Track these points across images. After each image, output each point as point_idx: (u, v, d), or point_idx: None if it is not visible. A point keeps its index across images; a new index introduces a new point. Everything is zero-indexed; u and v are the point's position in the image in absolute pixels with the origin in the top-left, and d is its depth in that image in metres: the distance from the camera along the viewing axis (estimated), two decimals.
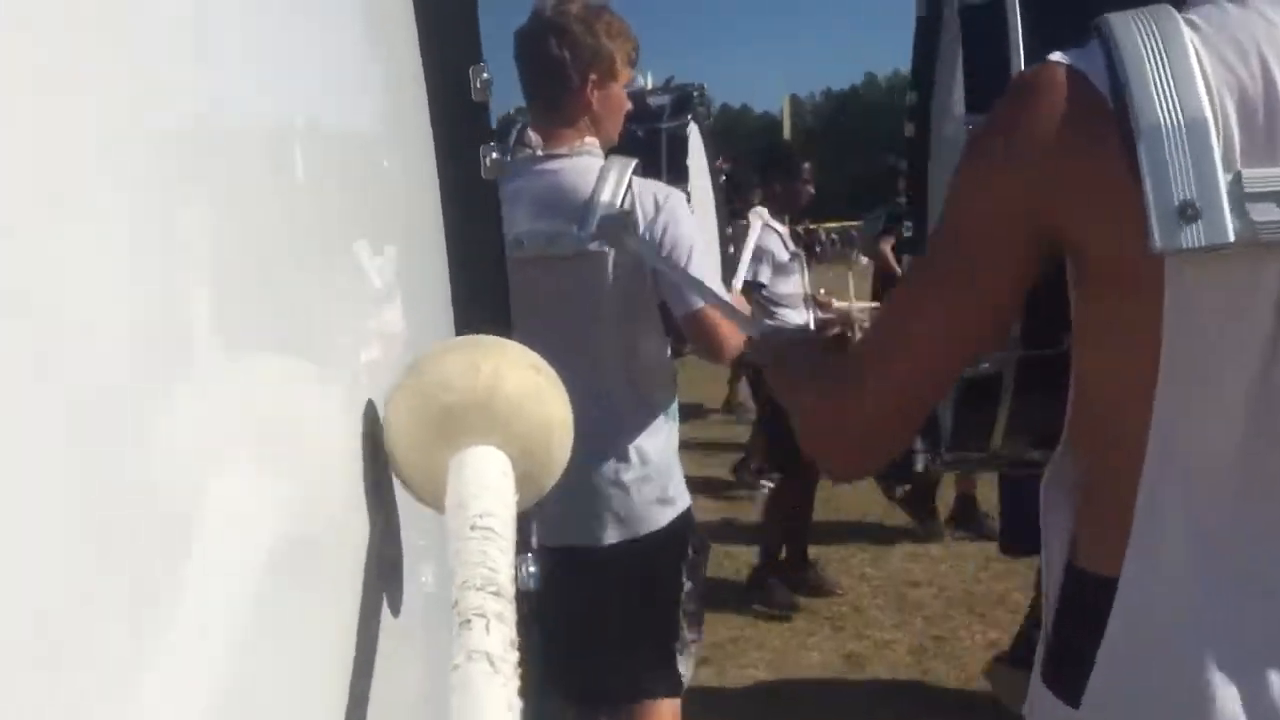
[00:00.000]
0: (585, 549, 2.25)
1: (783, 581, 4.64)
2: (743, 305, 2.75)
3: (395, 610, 0.49)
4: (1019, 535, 3.34)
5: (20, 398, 0.23)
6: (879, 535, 5.46)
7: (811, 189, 5.36)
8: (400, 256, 0.67)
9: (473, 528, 0.39)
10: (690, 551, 2.42)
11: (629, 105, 2.41)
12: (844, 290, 5.83)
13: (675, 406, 2.49)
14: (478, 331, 0.49)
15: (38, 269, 0.24)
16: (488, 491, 0.42)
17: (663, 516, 2.33)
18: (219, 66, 0.37)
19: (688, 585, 2.41)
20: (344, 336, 0.52)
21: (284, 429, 0.41)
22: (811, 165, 5.42)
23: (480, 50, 0.84)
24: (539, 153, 2.27)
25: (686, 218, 2.30)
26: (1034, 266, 1.02)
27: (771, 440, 4.96)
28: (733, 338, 2.22)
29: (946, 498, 5.41)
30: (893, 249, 6.37)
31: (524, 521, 0.43)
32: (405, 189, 0.71)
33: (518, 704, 0.33)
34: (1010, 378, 1.41)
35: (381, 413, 0.46)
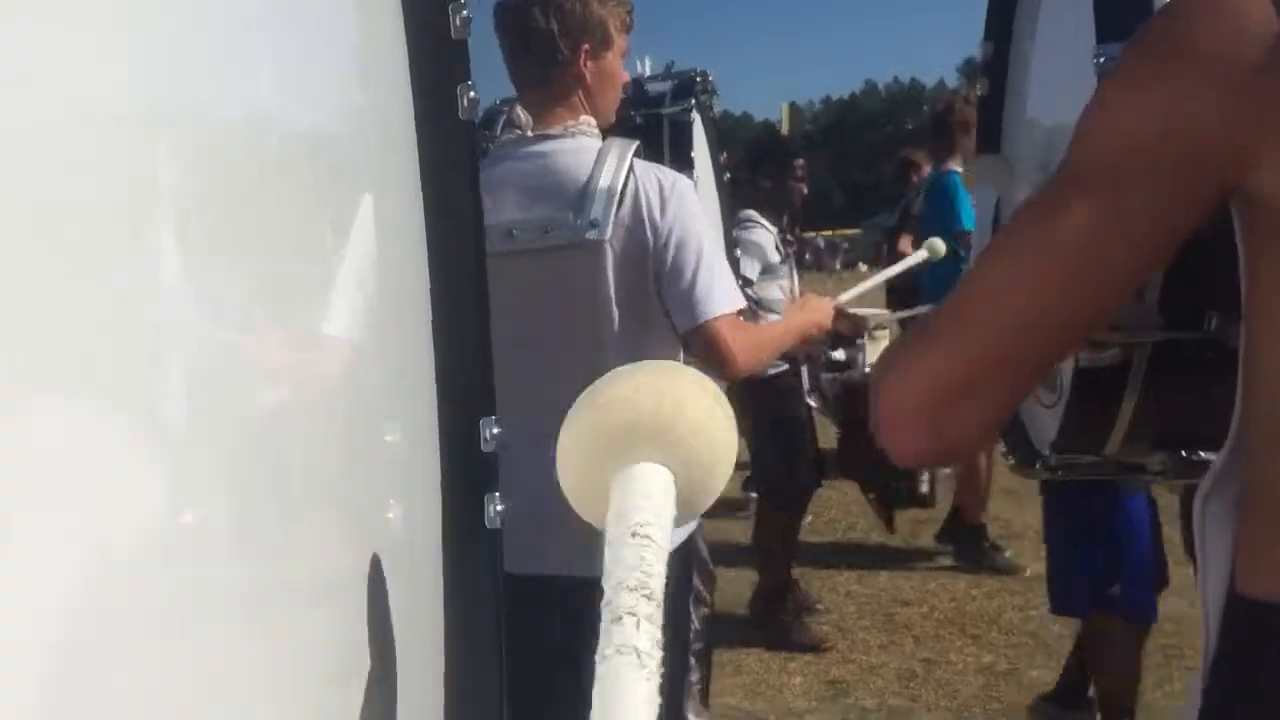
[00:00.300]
0: (578, 580, 2.00)
1: (788, 610, 4.40)
2: (816, 308, 2.49)
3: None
4: (1067, 597, 3.10)
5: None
6: (866, 549, 5.22)
7: (804, 188, 5.00)
8: (373, 204, 0.68)
9: (633, 535, 0.42)
10: (697, 583, 2.18)
11: (626, 76, 2.18)
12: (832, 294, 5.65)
13: None
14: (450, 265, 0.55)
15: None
16: (650, 503, 0.44)
17: (673, 538, 2.09)
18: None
19: (696, 624, 2.18)
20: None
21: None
22: (805, 163, 5.08)
23: None
24: (529, 133, 2.03)
25: (697, 208, 2.06)
26: (1200, 214, 0.83)
27: (760, 460, 4.65)
28: (744, 353, 2.00)
29: (939, 510, 5.18)
30: (913, 244, 6.15)
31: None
32: (381, 131, 0.72)
33: (657, 700, 0.36)
34: (1141, 366, 1.17)
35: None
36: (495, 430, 0.90)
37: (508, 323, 1.04)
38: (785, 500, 4.48)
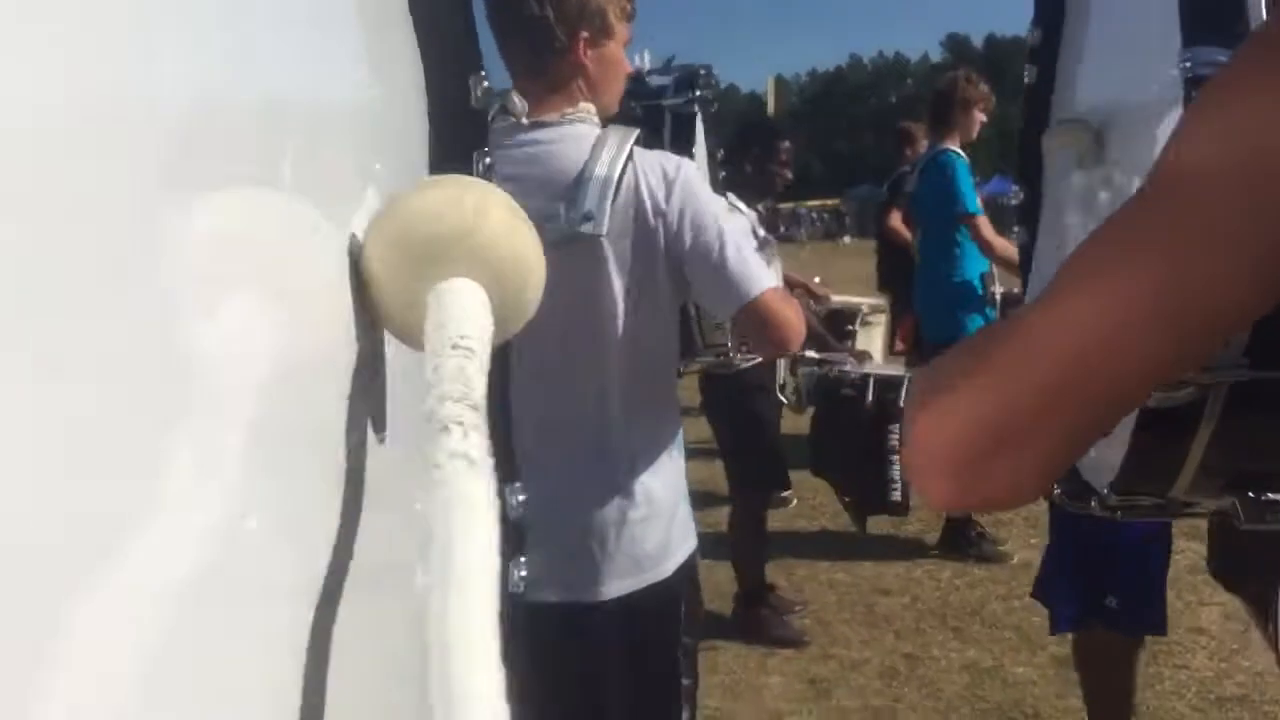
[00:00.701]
0: (581, 605, 1.86)
1: (770, 607, 4.25)
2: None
3: (380, 433, 0.49)
4: (1061, 612, 2.92)
5: None
6: (850, 535, 5.08)
7: (789, 173, 4.73)
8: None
9: (453, 346, 0.41)
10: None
11: (630, 67, 2.03)
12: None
13: (681, 432, 2.06)
14: None
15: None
16: (467, 317, 0.43)
17: (670, 562, 1.93)
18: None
19: (686, 640, 2.04)
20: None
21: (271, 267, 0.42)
22: (791, 145, 4.74)
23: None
24: (524, 120, 1.87)
25: (706, 190, 1.91)
26: None
27: (733, 458, 4.48)
28: (797, 321, 1.90)
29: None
30: (904, 220, 5.97)
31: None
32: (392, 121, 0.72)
33: (495, 501, 0.35)
34: (1216, 406, 1.02)
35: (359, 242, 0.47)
36: (521, 498, 0.88)
37: None
38: (755, 499, 4.34)
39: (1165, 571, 2.78)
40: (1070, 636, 3.01)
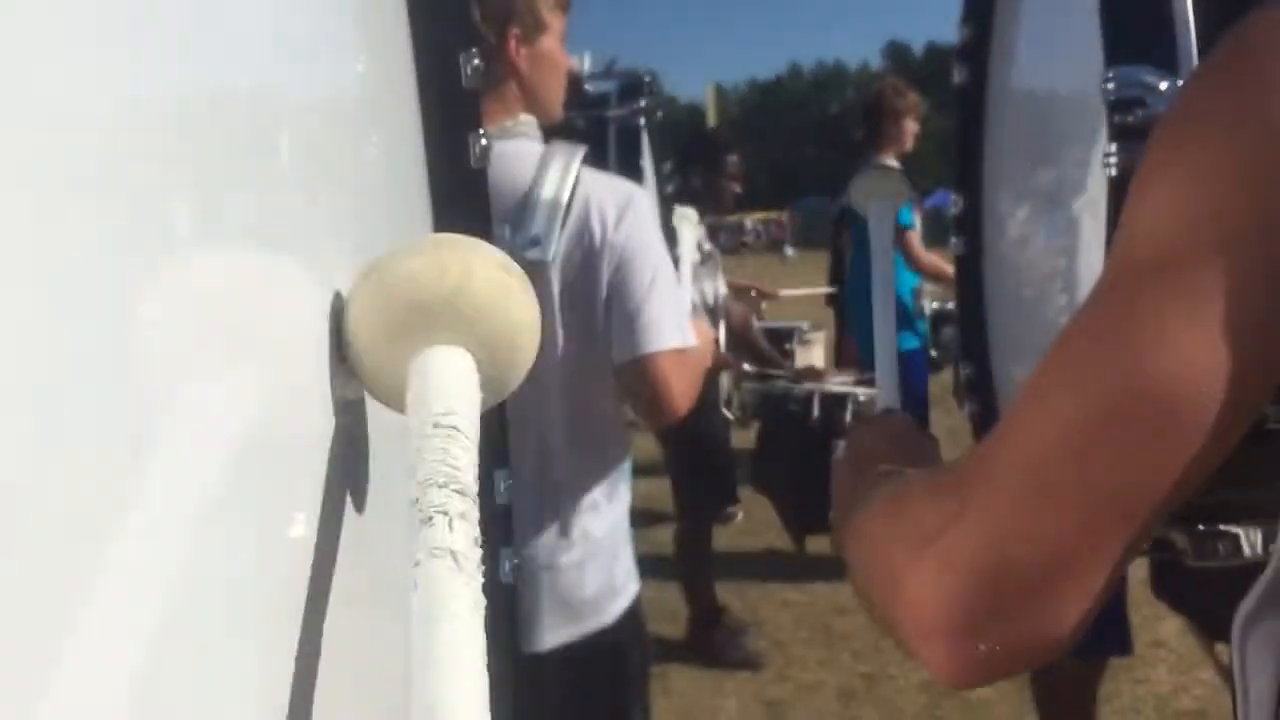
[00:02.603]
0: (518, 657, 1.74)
1: (724, 629, 4.18)
2: (704, 334, 2.11)
3: (360, 507, 0.49)
4: None
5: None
6: (803, 554, 5.03)
7: (738, 186, 4.68)
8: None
9: (435, 425, 0.39)
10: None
11: (570, 63, 1.90)
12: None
13: (629, 467, 1.95)
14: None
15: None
16: (451, 390, 0.41)
17: (613, 608, 1.81)
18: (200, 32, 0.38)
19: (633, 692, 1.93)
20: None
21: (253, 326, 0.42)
22: (739, 158, 4.66)
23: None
24: None
25: (655, 228, 1.80)
26: None
27: (682, 475, 4.41)
28: (685, 398, 1.76)
29: None
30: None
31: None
32: (391, 174, 0.72)
33: (482, 601, 0.33)
34: None
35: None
36: (509, 482, 0.88)
37: None
38: (703, 515, 4.27)
39: (1124, 592, 2.75)
40: None
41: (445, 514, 0.35)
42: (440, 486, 0.36)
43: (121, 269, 0.30)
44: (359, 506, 0.49)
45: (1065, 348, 0.63)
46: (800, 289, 6.34)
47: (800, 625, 4.34)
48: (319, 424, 0.46)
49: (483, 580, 0.34)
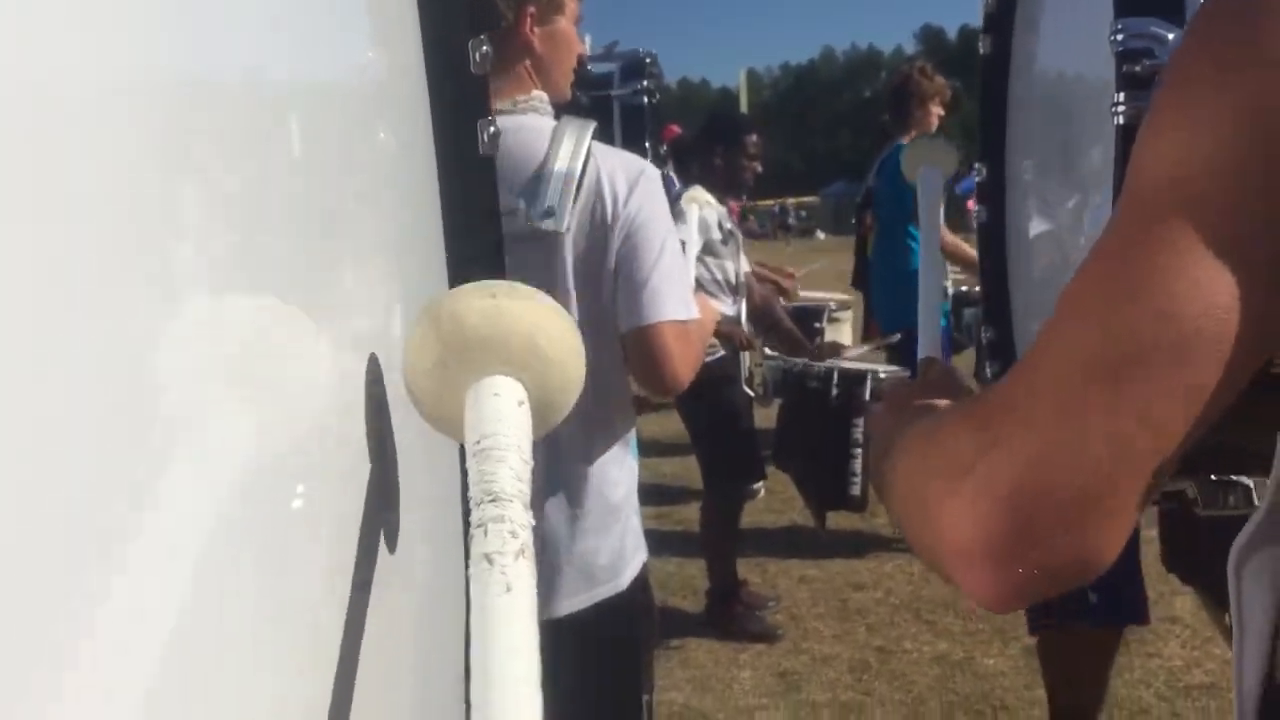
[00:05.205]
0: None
1: (742, 603, 4.23)
2: (707, 310, 2.16)
3: (391, 547, 0.55)
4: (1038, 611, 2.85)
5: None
6: (823, 533, 5.09)
7: (759, 165, 4.69)
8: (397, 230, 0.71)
9: (492, 449, 0.43)
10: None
11: (582, 47, 1.94)
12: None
13: (634, 435, 1.99)
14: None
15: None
16: (500, 417, 0.45)
17: (626, 573, 1.85)
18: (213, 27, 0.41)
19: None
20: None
21: (287, 384, 0.47)
22: (760, 138, 4.68)
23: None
24: None
25: (664, 203, 1.83)
26: None
27: (707, 450, 4.46)
28: (685, 369, 1.80)
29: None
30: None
31: None
32: (402, 162, 0.74)
33: (533, 609, 0.37)
34: None
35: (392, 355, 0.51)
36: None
37: None
38: (728, 491, 4.32)
39: (1139, 559, 2.77)
40: None
41: (500, 523, 0.40)
42: (491, 502, 0.41)
43: (135, 268, 0.33)
44: (391, 545, 0.53)
45: (1084, 279, 0.65)
46: (817, 292, 6.37)
47: (816, 600, 4.39)
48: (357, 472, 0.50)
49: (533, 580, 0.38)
